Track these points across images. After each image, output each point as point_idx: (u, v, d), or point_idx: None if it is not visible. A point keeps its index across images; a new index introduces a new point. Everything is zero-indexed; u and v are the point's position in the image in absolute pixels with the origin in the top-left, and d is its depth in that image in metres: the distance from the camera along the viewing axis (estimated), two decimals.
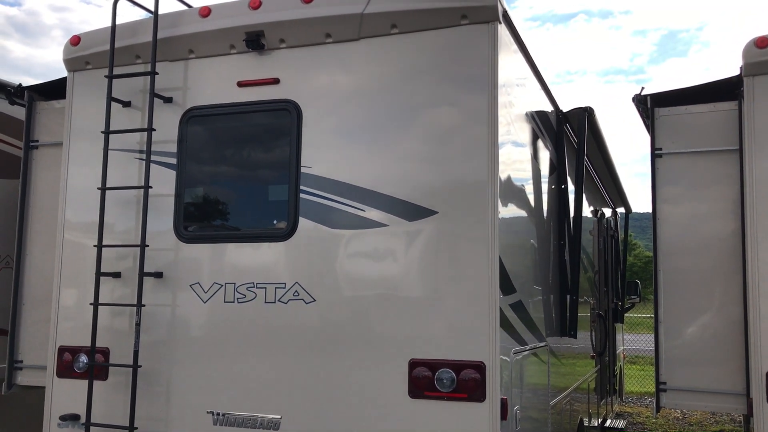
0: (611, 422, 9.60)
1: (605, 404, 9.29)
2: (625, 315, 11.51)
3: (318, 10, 4.56)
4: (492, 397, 3.99)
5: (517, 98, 4.81)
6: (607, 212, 10.05)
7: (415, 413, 4.11)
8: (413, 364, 4.15)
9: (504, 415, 4.05)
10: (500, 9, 4.26)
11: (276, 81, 4.67)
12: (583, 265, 6.95)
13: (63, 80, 5.55)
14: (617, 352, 10.99)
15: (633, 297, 11.58)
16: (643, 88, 5.95)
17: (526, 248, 5.07)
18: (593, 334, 8.00)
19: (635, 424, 11.79)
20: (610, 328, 9.51)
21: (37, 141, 6.08)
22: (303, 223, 4.49)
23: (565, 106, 6.15)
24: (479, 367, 4.01)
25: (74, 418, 4.80)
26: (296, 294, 4.44)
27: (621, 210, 11.38)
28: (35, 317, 5.85)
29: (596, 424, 8.32)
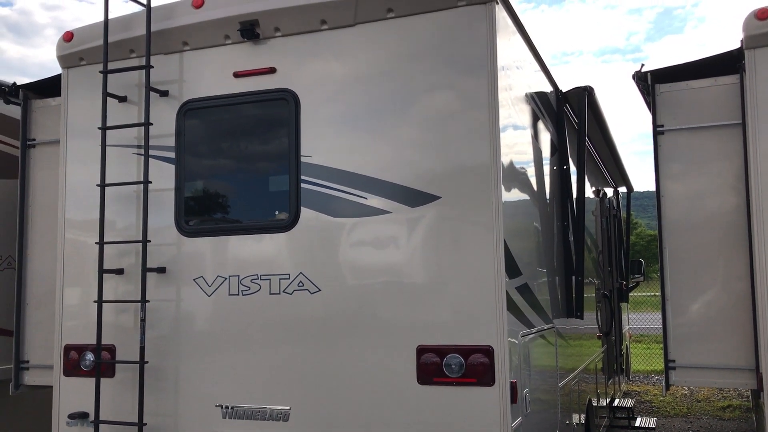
0: (619, 401, 9.61)
1: (613, 384, 9.30)
2: (630, 294, 11.50)
3: None
4: (501, 381, 3.97)
5: (517, 80, 4.76)
6: (609, 192, 10.02)
7: (425, 400, 4.09)
8: (421, 351, 4.12)
9: (514, 398, 4.03)
10: None
11: (272, 70, 4.62)
12: (587, 246, 6.93)
13: (58, 77, 5.50)
14: (623, 331, 10.99)
15: (637, 276, 11.55)
16: (642, 65, 5.89)
17: (531, 231, 5.04)
18: (599, 314, 7.99)
19: (643, 403, 11.81)
20: (616, 307, 9.50)
21: (34, 139, 6.04)
22: (305, 212, 4.45)
23: (564, 87, 6.10)
24: (487, 352, 3.99)
25: (83, 416, 4.80)
26: (301, 284, 4.41)
27: (622, 189, 11.34)
28: (39, 317, 5.84)
29: (605, 404, 8.32)
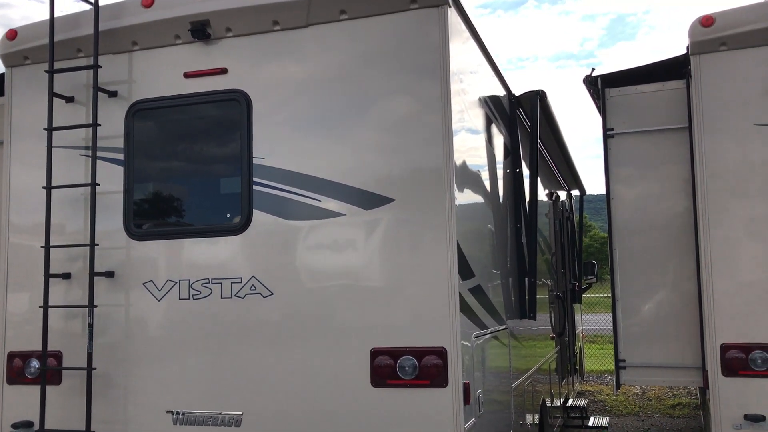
0: (573, 401, 9.74)
1: (567, 384, 9.42)
2: (583, 295, 11.67)
3: None
4: (454, 383, 3.98)
5: (470, 84, 4.80)
6: (562, 195, 10.16)
7: (379, 402, 4.09)
8: (375, 353, 4.11)
9: (467, 399, 4.05)
10: None
11: (224, 71, 4.56)
12: (540, 248, 7.01)
13: (1, 76, 5.35)
14: (576, 332, 11.15)
15: (590, 277, 11.74)
16: (593, 69, 6.01)
17: (484, 233, 5.07)
18: (552, 315, 8.09)
19: (596, 402, 12.01)
20: (569, 308, 9.63)
21: None
22: (257, 215, 4.40)
23: (518, 91, 6.17)
24: (441, 353, 4.00)
25: (27, 425, 4.66)
26: (253, 288, 4.36)
27: (575, 192, 11.51)
28: None
29: (558, 404, 8.43)
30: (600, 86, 5.92)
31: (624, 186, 5.90)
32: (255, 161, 4.43)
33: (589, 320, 17.86)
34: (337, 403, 4.16)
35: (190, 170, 4.70)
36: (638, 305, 5.78)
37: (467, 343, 4.25)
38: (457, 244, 4.09)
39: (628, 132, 5.84)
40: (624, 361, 5.74)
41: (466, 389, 4.06)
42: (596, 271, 11.98)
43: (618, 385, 5.85)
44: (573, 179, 10.60)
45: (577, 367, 11.11)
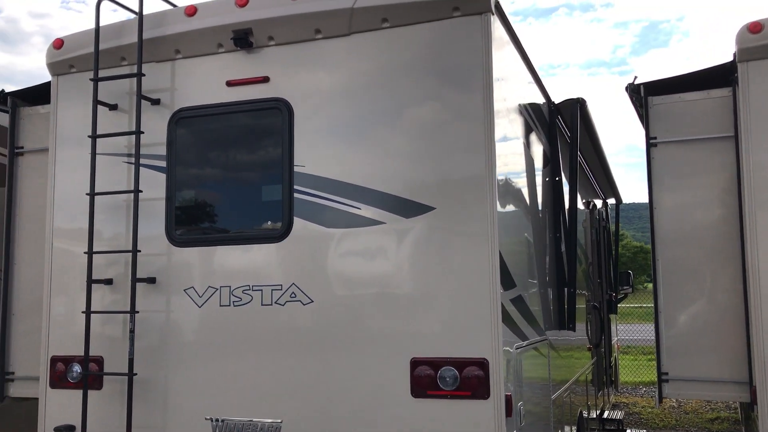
0: (609, 413, 9.59)
1: (602, 396, 9.28)
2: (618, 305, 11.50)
3: (307, 6, 4.48)
4: (496, 394, 3.93)
5: (511, 91, 4.75)
6: (598, 203, 10.03)
7: (419, 413, 4.05)
8: (415, 363, 4.08)
9: (509, 411, 3.99)
10: (492, 0, 4.20)
11: (266, 79, 4.58)
12: (578, 258, 6.92)
13: (47, 85, 5.44)
14: (612, 342, 10.98)
15: (625, 287, 11.56)
16: (636, 77, 5.91)
17: (524, 242, 5.01)
18: (589, 326, 7.97)
19: (632, 414, 11.80)
20: (605, 319, 9.49)
21: (23, 147, 5.97)
22: (298, 222, 4.41)
23: (555, 99, 6.10)
24: (482, 364, 3.95)
25: (69, 429, 4.70)
26: (293, 295, 4.36)
27: (611, 201, 11.35)
28: (25, 327, 5.74)
29: (595, 416, 8.30)
30: (643, 94, 5.81)
31: (667, 195, 5.77)
32: (296, 169, 4.44)
33: (623, 331, 17.58)
34: (376, 413, 4.13)
35: (231, 178, 4.72)
36: (682, 317, 5.65)
37: (509, 354, 4.19)
38: (499, 253, 4.04)
39: (671, 141, 5.73)
40: (667, 374, 5.61)
41: (508, 401, 4.00)
42: (632, 281, 11.80)
43: (660, 399, 5.72)
44: (609, 187, 10.47)
45: (613, 379, 10.94)
